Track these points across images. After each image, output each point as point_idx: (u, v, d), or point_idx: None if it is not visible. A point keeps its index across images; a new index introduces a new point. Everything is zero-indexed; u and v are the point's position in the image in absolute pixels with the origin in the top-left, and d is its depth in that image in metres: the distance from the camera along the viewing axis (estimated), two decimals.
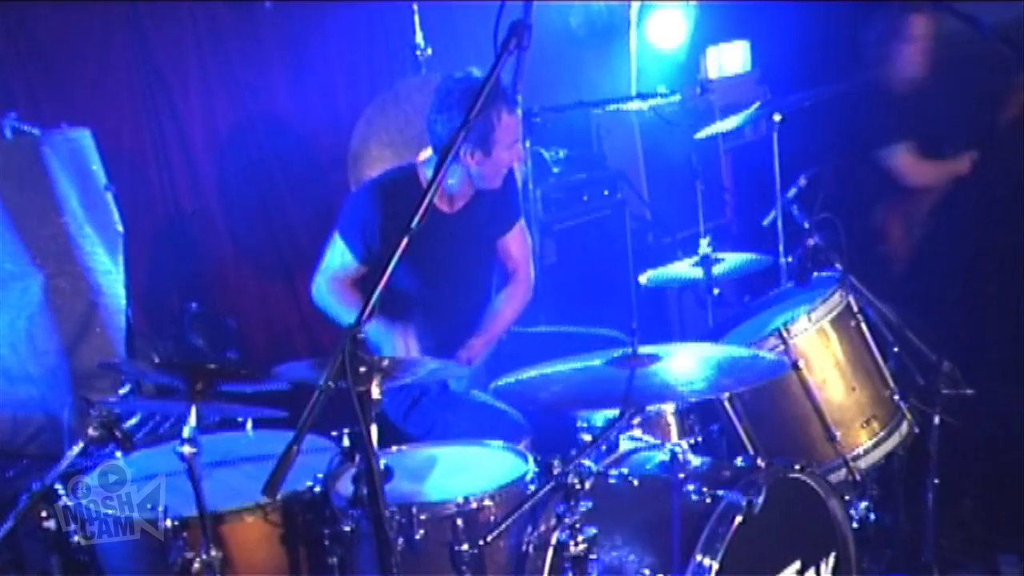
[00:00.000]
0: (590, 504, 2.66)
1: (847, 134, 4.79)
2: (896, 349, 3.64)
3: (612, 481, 2.84)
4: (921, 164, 4.72)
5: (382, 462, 2.34)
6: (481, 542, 2.58)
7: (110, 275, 4.08)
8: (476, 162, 3.51)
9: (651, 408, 3.15)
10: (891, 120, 4.62)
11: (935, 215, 4.83)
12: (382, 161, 4.57)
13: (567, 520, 2.62)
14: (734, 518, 2.63)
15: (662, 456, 2.90)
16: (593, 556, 2.62)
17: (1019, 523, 3.76)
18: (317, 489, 2.74)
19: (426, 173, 3.63)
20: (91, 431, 2.86)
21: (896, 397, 3.48)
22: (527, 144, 4.48)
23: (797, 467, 2.86)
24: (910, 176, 4.71)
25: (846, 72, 4.86)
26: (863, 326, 3.48)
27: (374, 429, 2.32)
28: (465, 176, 3.58)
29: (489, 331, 3.71)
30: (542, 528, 2.68)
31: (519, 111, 3.54)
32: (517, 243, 3.87)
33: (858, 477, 3.30)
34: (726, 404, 3.30)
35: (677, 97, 5.24)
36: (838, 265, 3.57)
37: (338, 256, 3.66)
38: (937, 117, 4.74)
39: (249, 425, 3.11)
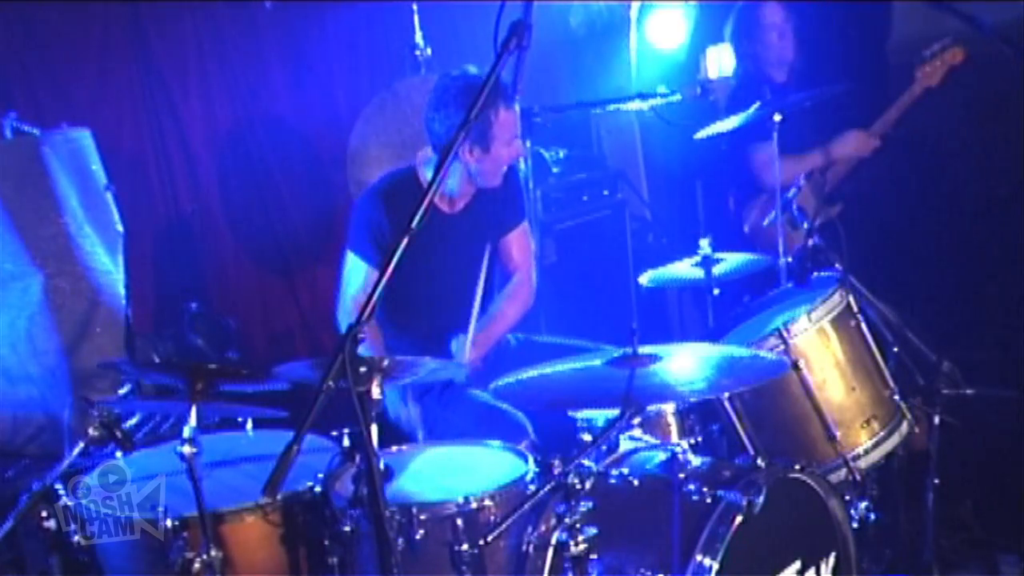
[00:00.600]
0: (590, 504, 2.65)
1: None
2: (896, 349, 3.64)
3: (612, 481, 2.84)
4: (778, 161, 4.32)
5: (382, 462, 2.34)
6: (481, 542, 2.58)
7: (110, 275, 4.08)
8: (475, 159, 3.51)
9: (651, 408, 3.14)
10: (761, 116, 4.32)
11: (831, 201, 4.70)
12: (381, 161, 4.57)
13: (567, 520, 2.62)
14: (734, 518, 2.62)
15: (662, 456, 2.90)
16: (593, 556, 2.62)
17: (1019, 523, 3.76)
18: (317, 489, 2.74)
19: (425, 174, 3.62)
20: (91, 431, 2.86)
21: (896, 397, 3.47)
22: (527, 144, 4.48)
23: (797, 467, 2.86)
24: (763, 175, 4.53)
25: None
26: (863, 326, 3.47)
27: (374, 429, 2.32)
28: (465, 175, 3.58)
29: (489, 330, 3.69)
30: (542, 528, 2.68)
31: (517, 107, 3.53)
32: (519, 246, 3.85)
33: (858, 477, 3.29)
34: (726, 404, 3.30)
35: (677, 97, 5.24)
36: (838, 265, 3.57)
37: (354, 274, 3.62)
38: (802, 110, 4.43)
39: (249, 425, 3.11)
